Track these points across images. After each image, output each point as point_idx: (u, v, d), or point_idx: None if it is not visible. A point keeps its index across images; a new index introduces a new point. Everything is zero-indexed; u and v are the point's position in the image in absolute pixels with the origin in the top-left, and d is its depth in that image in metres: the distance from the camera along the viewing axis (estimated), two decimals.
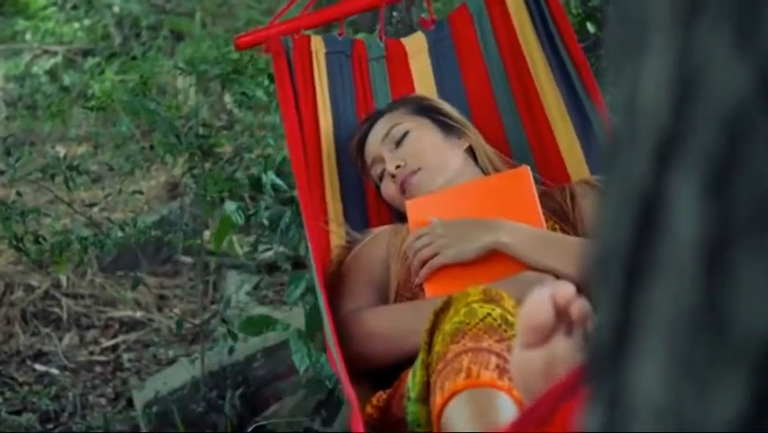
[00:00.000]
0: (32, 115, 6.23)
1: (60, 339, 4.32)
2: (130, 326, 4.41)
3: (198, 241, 3.67)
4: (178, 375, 3.74)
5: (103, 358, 4.21)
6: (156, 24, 6.80)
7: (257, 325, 3.34)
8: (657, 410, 0.55)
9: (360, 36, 3.09)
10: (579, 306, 1.33)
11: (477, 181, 2.60)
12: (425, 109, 2.73)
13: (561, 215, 2.51)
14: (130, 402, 3.84)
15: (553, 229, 2.44)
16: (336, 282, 2.56)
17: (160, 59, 5.91)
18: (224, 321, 3.64)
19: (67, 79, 6.45)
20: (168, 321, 4.36)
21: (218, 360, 3.68)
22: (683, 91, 0.52)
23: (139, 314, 4.45)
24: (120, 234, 3.40)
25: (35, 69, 6.65)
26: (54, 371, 4.11)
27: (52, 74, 6.59)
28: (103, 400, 3.92)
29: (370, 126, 2.74)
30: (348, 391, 2.06)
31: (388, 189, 2.66)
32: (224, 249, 4.41)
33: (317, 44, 2.85)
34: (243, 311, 3.91)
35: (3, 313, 4.38)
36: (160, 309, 4.48)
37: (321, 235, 2.65)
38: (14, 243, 3.32)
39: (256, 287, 4.37)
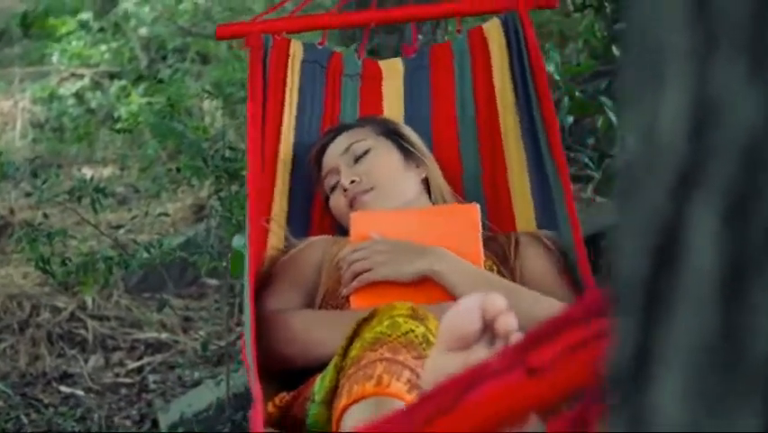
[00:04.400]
0: (58, 138, 6.27)
1: (86, 361, 4.33)
2: (155, 347, 4.42)
3: (224, 263, 3.68)
4: (204, 397, 3.74)
5: (128, 380, 4.22)
6: (182, 47, 6.84)
7: None
8: None
9: (340, 50, 3.11)
10: (506, 320, 1.32)
11: (425, 209, 2.62)
12: (390, 132, 2.74)
13: (501, 258, 2.52)
14: (155, 424, 3.85)
15: (491, 269, 2.45)
16: (266, 281, 2.56)
17: (186, 82, 5.94)
18: None
19: (93, 102, 6.48)
20: (193, 343, 4.36)
21: (243, 382, 3.68)
22: (701, 121, 0.52)
23: (164, 336, 4.46)
24: (146, 255, 3.41)
25: (62, 92, 6.69)
26: (79, 392, 4.12)
27: (79, 96, 6.63)
28: (128, 422, 3.93)
29: (333, 137, 2.75)
30: (256, 387, 2.04)
31: (338, 202, 2.68)
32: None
33: (296, 49, 2.88)
34: None
35: (29, 335, 4.39)
36: (185, 331, 4.48)
37: (260, 232, 2.65)
38: (41, 264, 3.34)
39: None
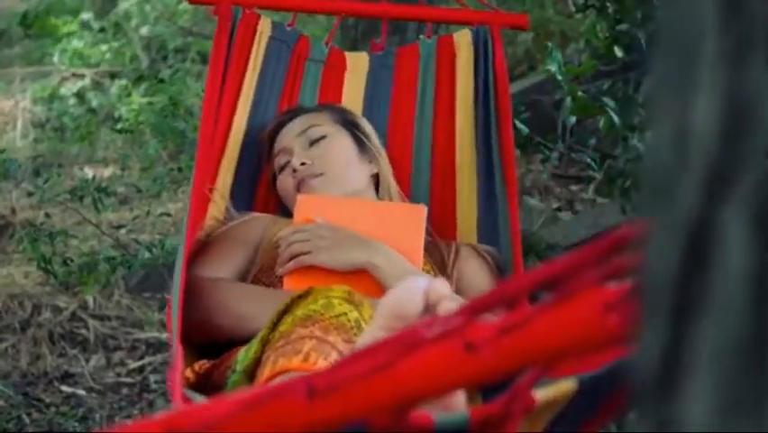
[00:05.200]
0: (59, 137, 6.26)
1: (87, 361, 4.32)
2: (156, 347, 4.42)
3: None
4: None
5: (129, 380, 4.22)
6: (183, 47, 6.84)
7: None
8: None
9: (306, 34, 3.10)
10: (449, 306, 1.31)
11: (374, 202, 2.63)
12: (348, 123, 2.75)
13: (439, 265, 2.52)
14: None
15: (428, 273, 2.44)
16: (201, 249, 2.55)
17: (187, 82, 5.94)
18: None
19: (94, 102, 6.48)
20: None
21: None
22: (734, 123, 0.52)
23: (165, 335, 4.46)
24: (147, 255, 3.41)
25: (63, 92, 6.69)
26: (81, 392, 4.12)
27: (80, 96, 6.63)
28: (129, 422, 3.93)
29: (290, 118, 2.75)
30: (177, 352, 2.00)
31: (285, 183, 2.67)
32: None
33: (264, 26, 2.88)
34: None
35: (30, 334, 4.39)
36: None
37: (202, 201, 2.64)
38: (43, 264, 3.34)
39: None
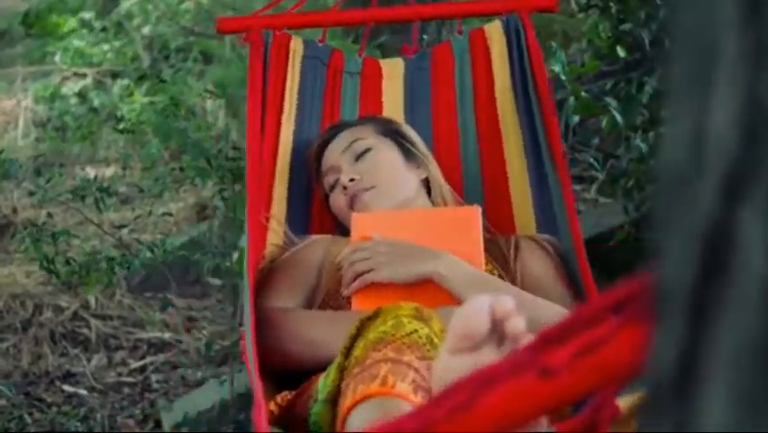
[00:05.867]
0: (61, 137, 6.26)
1: (89, 360, 4.32)
2: (158, 347, 4.41)
3: (227, 263, 3.68)
4: (207, 397, 3.74)
5: (131, 379, 4.21)
6: (185, 47, 6.83)
7: None
8: None
9: (336, 45, 3.10)
10: (515, 322, 1.32)
11: (427, 210, 2.61)
12: (391, 132, 2.74)
13: (501, 262, 2.51)
14: (158, 424, 3.84)
15: (492, 273, 2.44)
16: (265, 279, 2.55)
17: (189, 82, 5.93)
18: None
19: (96, 101, 6.47)
20: (196, 343, 4.36)
21: (247, 382, 3.66)
22: (752, 125, 0.52)
23: (167, 335, 4.45)
24: (149, 254, 3.41)
25: (64, 91, 6.68)
26: (82, 392, 4.11)
27: (81, 96, 6.62)
28: (131, 422, 3.92)
29: (334, 135, 2.74)
30: (257, 385, 2.03)
31: (338, 201, 2.67)
32: None
33: (297, 45, 2.87)
34: None
35: (32, 334, 4.39)
36: (188, 331, 4.48)
37: (259, 229, 2.64)
38: (46, 264, 3.34)
39: None
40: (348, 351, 1.93)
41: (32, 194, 4.54)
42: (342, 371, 1.92)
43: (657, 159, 0.55)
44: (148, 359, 4.33)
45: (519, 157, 2.81)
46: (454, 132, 2.92)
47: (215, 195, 3.69)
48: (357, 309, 2.33)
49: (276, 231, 2.72)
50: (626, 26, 3.58)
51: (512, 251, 2.53)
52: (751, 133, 0.52)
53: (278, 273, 2.55)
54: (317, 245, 2.59)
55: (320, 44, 2.92)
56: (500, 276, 2.44)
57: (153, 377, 4.22)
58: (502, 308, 1.31)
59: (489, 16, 2.97)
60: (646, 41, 3.53)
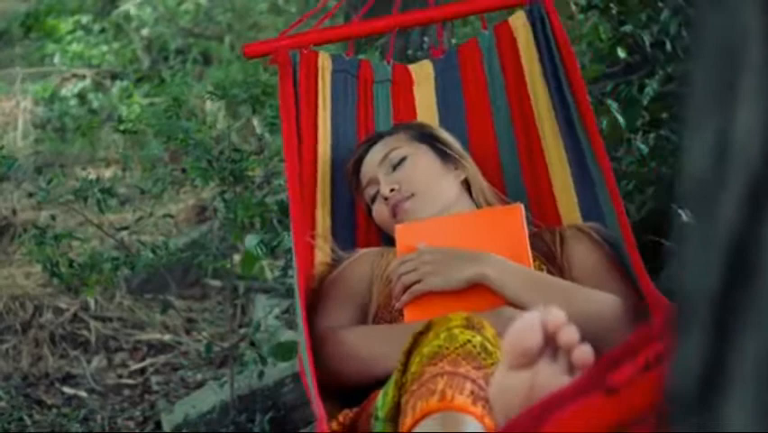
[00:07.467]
0: (60, 138, 6.26)
1: (89, 362, 4.32)
2: (158, 349, 4.42)
3: (228, 265, 3.67)
4: (208, 399, 3.73)
5: (131, 381, 4.21)
6: (184, 48, 6.83)
7: (287, 350, 3.33)
8: None
9: (365, 57, 3.09)
10: (568, 333, 1.33)
11: (469, 213, 2.60)
12: (425, 136, 2.73)
13: (548, 256, 2.50)
14: (158, 426, 3.84)
15: (539, 269, 2.43)
16: (317, 298, 2.55)
17: (188, 83, 5.93)
18: (252, 345, 3.64)
19: (95, 102, 6.48)
20: (196, 344, 4.36)
21: (247, 383, 3.67)
22: None
23: (167, 337, 4.45)
24: (151, 256, 3.41)
25: (64, 92, 6.68)
26: (83, 393, 4.11)
27: (81, 97, 6.62)
28: (131, 424, 3.92)
29: (369, 147, 2.74)
30: (318, 406, 2.05)
31: (380, 212, 2.66)
32: (254, 273, 4.42)
33: (324, 61, 2.86)
34: (273, 336, 3.91)
35: (32, 335, 4.39)
36: (188, 333, 4.48)
37: (306, 250, 2.64)
38: (48, 267, 3.33)
39: (285, 311, 4.37)
40: (404, 367, 1.94)
41: (31, 195, 4.54)
42: (399, 387, 1.92)
43: (680, 170, 0.55)
44: (148, 361, 4.33)
45: (557, 147, 2.79)
46: (490, 128, 2.90)
47: (216, 196, 3.69)
48: (410, 321, 2.33)
49: (323, 249, 2.70)
50: (627, 28, 3.58)
51: (558, 244, 2.52)
52: None
53: (328, 292, 2.55)
54: (365, 259, 2.58)
55: (347, 57, 2.91)
56: (549, 271, 2.44)
57: (153, 379, 4.22)
58: (553, 321, 1.33)
59: (512, 8, 2.96)
60: (647, 43, 3.53)
